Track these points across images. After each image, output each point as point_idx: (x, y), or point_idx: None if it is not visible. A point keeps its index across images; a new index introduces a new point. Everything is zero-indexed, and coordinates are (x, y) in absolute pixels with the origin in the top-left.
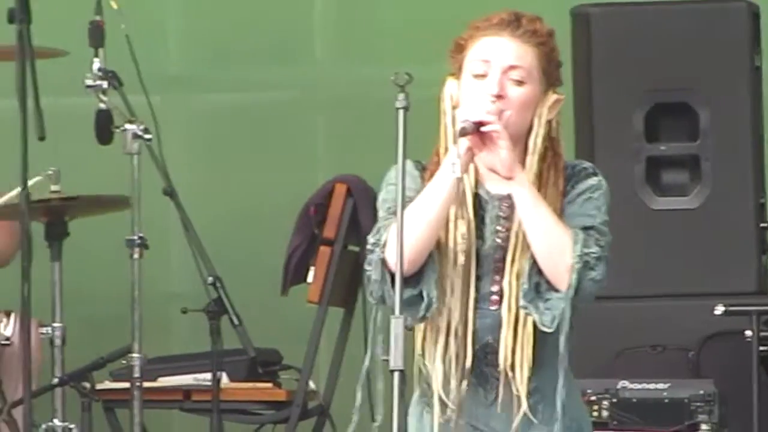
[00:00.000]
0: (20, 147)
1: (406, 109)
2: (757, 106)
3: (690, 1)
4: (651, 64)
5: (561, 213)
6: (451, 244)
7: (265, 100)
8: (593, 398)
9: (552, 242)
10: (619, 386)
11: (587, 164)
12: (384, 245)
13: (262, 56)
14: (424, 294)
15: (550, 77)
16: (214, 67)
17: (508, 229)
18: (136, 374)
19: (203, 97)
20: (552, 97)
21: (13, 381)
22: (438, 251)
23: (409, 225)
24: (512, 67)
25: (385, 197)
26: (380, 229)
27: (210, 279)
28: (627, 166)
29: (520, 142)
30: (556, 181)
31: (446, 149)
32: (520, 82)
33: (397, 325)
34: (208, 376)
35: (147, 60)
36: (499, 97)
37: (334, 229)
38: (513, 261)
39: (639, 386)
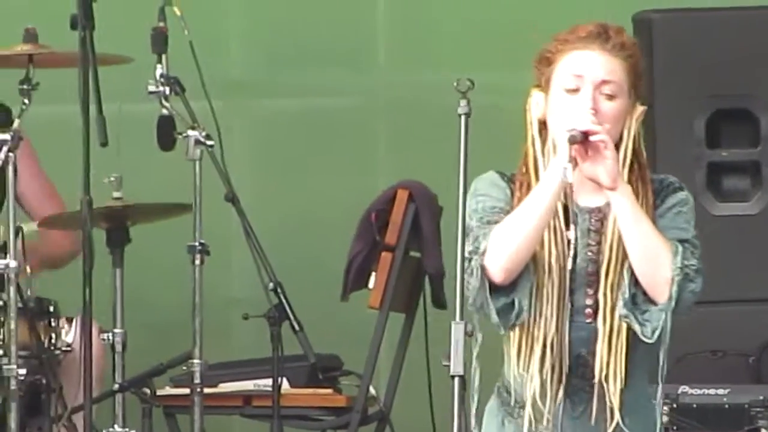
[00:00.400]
0: (83, 153)
1: (468, 115)
2: None
3: (752, 7)
4: (712, 70)
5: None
6: (546, 255)
7: (327, 106)
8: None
9: (652, 254)
10: (679, 391)
11: (673, 178)
12: (483, 253)
13: (324, 61)
14: (516, 302)
15: (637, 89)
16: (276, 72)
17: (599, 243)
18: (197, 380)
19: (265, 103)
20: (639, 109)
21: (74, 387)
22: (533, 262)
23: (512, 233)
24: (604, 82)
25: (475, 207)
26: (478, 237)
27: (271, 285)
28: (688, 172)
29: None
30: (645, 193)
31: (535, 159)
32: (611, 97)
33: (457, 330)
34: (269, 381)
35: (209, 65)
36: (594, 111)
37: (395, 235)
38: (607, 273)
39: (699, 391)
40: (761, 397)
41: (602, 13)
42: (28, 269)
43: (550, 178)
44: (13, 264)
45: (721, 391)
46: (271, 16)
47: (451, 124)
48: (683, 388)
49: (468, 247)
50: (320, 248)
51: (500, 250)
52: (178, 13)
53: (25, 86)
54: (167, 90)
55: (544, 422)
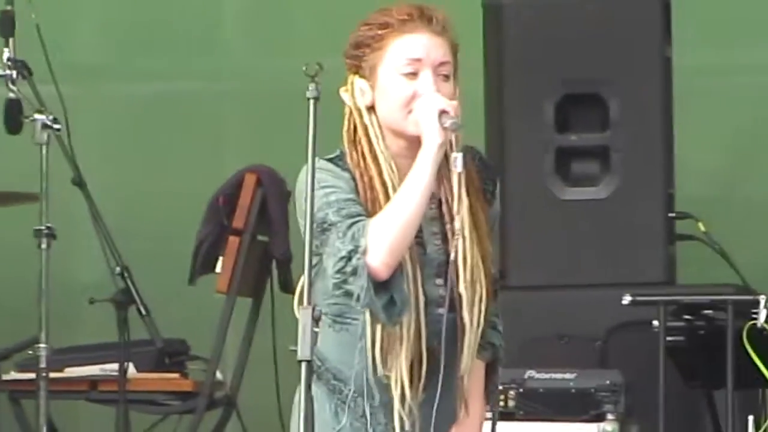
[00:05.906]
0: None
1: (316, 99)
2: (668, 97)
3: None
4: (562, 55)
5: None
6: None
7: (175, 90)
8: (500, 388)
9: None
10: (526, 376)
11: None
12: (365, 251)
13: (173, 46)
14: (396, 298)
15: (457, 69)
16: (125, 56)
17: (442, 230)
18: (43, 364)
19: (113, 87)
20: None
21: None
22: None
23: (393, 226)
24: (442, 64)
25: (327, 200)
26: (354, 234)
27: (117, 269)
28: (537, 157)
29: None
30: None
31: (370, 146)
32: (447, 77)
33: (304, 315)
34: (115, 366)
35: (58, 49)
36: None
37: (243, 219)
38: (465, 266)
39: (546, 376)
40: (607, 382)
41: None
42: None
43: (423, 165)
44: None
45: (567, 376)
46: (122, 1)
47: (300, 108)
48: (530, 373)
49: (348, 246)
50: (168, 232)
51: (382, 245)
52: None
53: None
54: (14, 73)
55: (407, 416)
